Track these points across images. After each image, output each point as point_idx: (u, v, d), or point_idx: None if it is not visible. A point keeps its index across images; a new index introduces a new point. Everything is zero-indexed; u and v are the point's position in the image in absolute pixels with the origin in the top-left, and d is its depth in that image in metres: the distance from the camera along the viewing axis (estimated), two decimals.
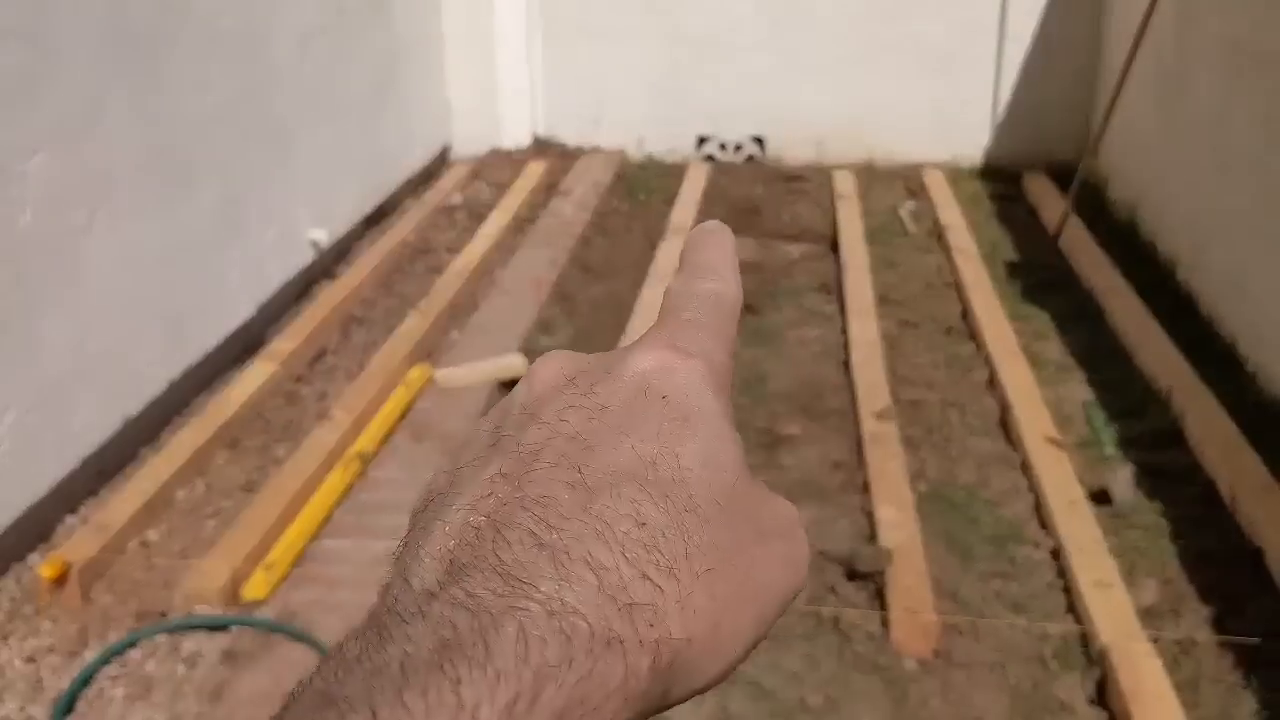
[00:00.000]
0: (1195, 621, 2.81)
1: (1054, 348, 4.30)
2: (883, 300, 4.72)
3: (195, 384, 3.92)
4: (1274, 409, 3.61)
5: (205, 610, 2.86)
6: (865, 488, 3.37)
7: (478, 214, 5.83)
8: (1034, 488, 3.36)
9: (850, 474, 3.48)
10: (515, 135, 6.80)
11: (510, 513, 0.34)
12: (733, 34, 6.55)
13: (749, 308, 4.73)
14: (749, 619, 0.36)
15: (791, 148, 6.71)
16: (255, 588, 2.93)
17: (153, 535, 3.18)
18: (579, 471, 0.35)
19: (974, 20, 6.33)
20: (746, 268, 5.08)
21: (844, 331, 4.43)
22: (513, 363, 4.02)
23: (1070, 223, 5.33)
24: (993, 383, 4.01)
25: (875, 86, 6.54)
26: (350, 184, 5.24)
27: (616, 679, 0.31)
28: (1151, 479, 3.38)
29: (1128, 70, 5.04)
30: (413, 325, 4.38)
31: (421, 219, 5.64)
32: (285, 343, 4.18)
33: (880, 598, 2.87)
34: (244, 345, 4.23)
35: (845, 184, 6.17)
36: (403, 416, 3.80)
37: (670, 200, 5.98)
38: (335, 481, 3.38)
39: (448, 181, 6.25)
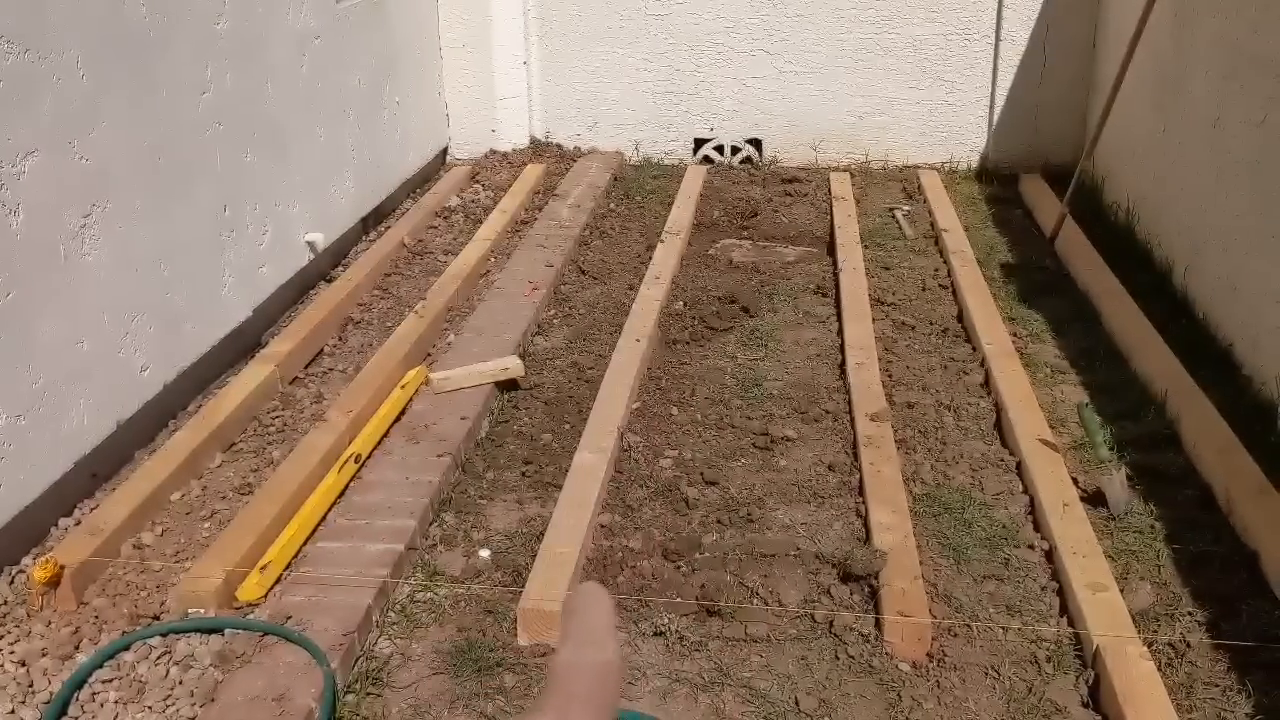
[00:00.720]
0: (1189, 624, 2.81)
1: (1049, 350, 4.30)
2: (878, 302, 4.72)
3: (190, 386, 3.92)
4: (1270, 412, 3.61)
5: (199, 613, 2.86)
6: (860, 490, 3.37)
7: (475, 216, 5.84)
8: (1029, 490, 3.36)
9: (845, 476, 3.48)
10: (513, 138, 6.80)
11: None
12: (730, 37, 6.56)
13: (745, 310, 4.75)
14: None
15: (788, 150, 6.72)
16: (250, 590, 2.92)
17: (147, 538, 3.18)
18: None
19: (970, 23, 6.34)
20: (743, 270, 5.10)
21: (840, 334, 4.43)
22: (508, 365, 4.02)
23: (1066, 225, 5.33)
24: (988, 385, 4.01)
25: (872, 89, 6.54)
26: (347, 186, 5.23)
27: None
28: (1146, 481, 3.38)
29: (1124, 73, 5.04)
30: (409, 327, 4.38)
31: (419, 221, 5.64)
32: (281, 345, 4.18)
33: (874, 600, 2.87)
34: (240, 347, 4.23)
35: (842, 186, 6.17)
36: (399, 419, 3.80)
37: (667, 203, 5.98)
38: (330, 484, 3.38)
39: (445, 184, 6.25)
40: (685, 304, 4.79)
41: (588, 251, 5.42)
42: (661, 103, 6.74)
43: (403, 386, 3.95)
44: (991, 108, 6.47)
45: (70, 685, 2.60)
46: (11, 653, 2.72)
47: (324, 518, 3.26)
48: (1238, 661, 2.66)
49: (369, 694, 2.62)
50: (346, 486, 3.41)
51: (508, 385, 4.05)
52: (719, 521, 3.27)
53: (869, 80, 6.53)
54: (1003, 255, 5.28)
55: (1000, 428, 3.74)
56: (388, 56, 5.71)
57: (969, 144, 6.56)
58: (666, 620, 2.85)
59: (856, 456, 3.54)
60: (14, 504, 3.03)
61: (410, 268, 5.19)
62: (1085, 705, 2.59)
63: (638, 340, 4.28)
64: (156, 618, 2.86)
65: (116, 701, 2.58)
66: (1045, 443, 3.51)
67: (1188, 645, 2.72)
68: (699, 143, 6.81)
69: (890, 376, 4.09)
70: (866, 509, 3.23)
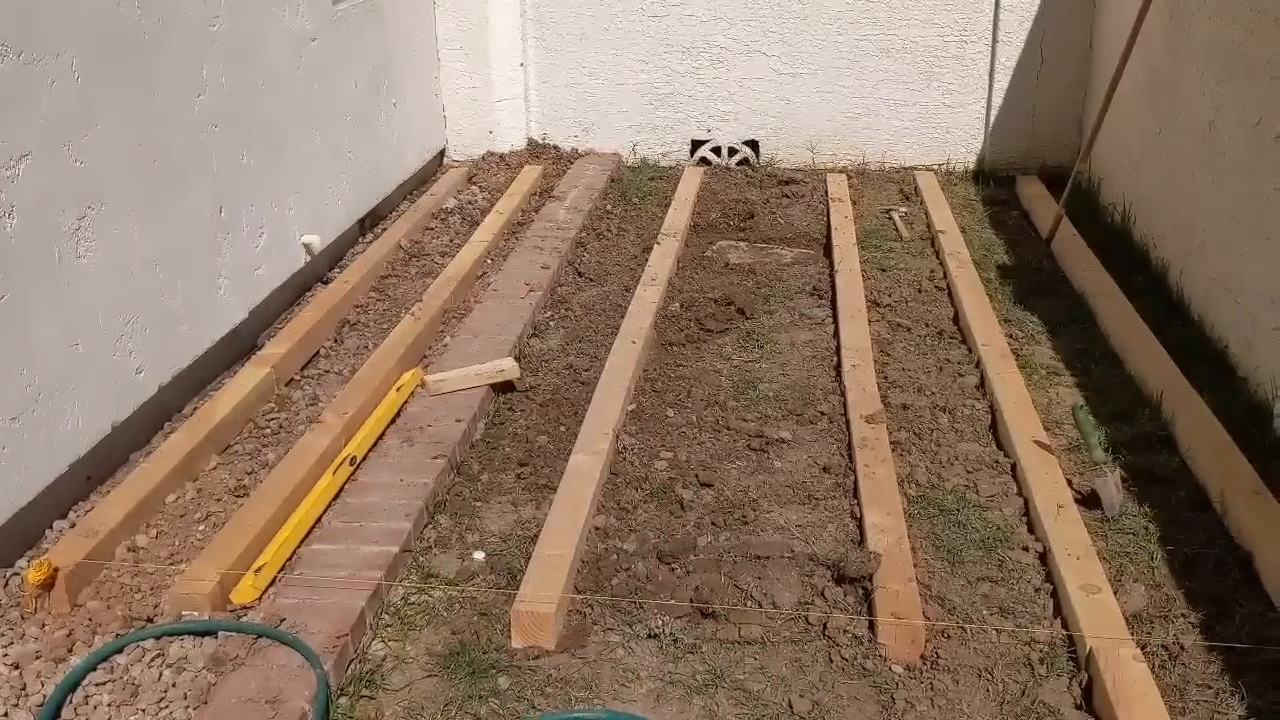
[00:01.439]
0: (1183, 626, 2.81)
1: (1045, 351, 4.30)
2: (874, 304, 4.72)
3: (186, 388, 3.92)
4: (1264, 413, 3.62)
5: (193, 615, 2.86)
6: (855, 492, 3.37)
7: (472, 218, 5.84)
8: (1023, 492, 3.37)
9: (840, 478, 3.48)
10: (510, 139, 6.81)
11: None
12: (727, 39, 6.56)
13: (741, 311, 4.75)
14: None
15: (785, 152, 6.72)
16: (244, 592, 2.92)
17: (141, 540, 3.18)
18: None
19: (967, 25, 6.34)
20: (740, 271, 5.10)
21: (836, 335, 4.43)
22: (504, 367, 4.02)
23: (1063, 227, 5.33)
24: (983, 387, 4.01)
25: (868, 91, 6.55)
26: (343, 188, 5.24)
27: None
28: (1141, 483, 3.38)
29: (1120, 75, 5.05)
30: (406, 329, 4.38)
31: (415, 223, 5.64)
32: (277, 347, 4.18)
33: (868, 602, 2.87)
34: (235, 350, 4.23)
35: (839, 188, 6.18)
36: (394, 421, 3.80)
37: (664, 204, 5.99)
38: (325, 486, 3.38)
39: (442, 185, 6.26)
40: (682, 305, 4.79)
41: (584, 253, 5.42)
42: (659, 104, 6.75)
43: (398, 388, 3.95)
44: (988, 109, 6.48)
45: (63, 688, 2.59)
46: (5, 655, 2.72)
47: (319, 520, 3.26)
48: (1231, 663, 2.66)
49: (362, 696, 2.62)
50: (342, 489, 3.41)
51: (503, 387, 4.05)
52: (713, 523, 3.27)
53: (866, 82, 6.53)
54: (999, 257, 5.29)
55: (995, 429, 3.74)
56: (384, 58, 5.71)
57: (966, 145, 6.57)
58: (660, 622, 2.85)
59: (851, 458, 3.54)
60: (8, 506, 3.03)
61: (407, 269, 5.19)
62: (1078, 707, 2.59)
63: (634, 342, 4.28)
64: (150, 620, 2.86)
65: (109, 704, 2.58)
66: (1040, 444, 3.51)
67: (1181, 647, 2.72)
68: (696, 144, 6.81)
69: (886, 378, 4.09)
70: (861, 511, 3.24)
